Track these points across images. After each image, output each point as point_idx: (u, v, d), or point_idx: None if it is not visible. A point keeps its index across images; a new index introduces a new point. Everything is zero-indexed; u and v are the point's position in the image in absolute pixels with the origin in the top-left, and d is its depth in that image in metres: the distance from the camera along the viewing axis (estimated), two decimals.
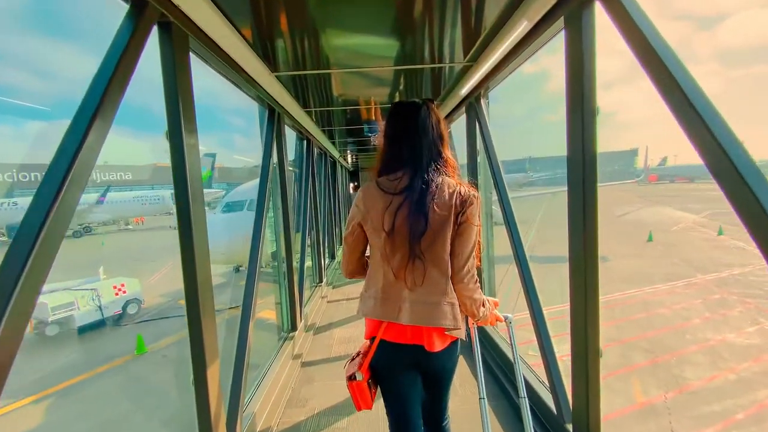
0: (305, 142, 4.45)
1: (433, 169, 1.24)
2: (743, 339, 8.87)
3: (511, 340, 1.51)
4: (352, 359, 1.37)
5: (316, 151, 5.36)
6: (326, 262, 5.64)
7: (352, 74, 2.62)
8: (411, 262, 1.21)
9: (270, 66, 2.26)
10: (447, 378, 1.36)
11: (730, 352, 8.21)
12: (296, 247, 4.01)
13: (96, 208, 22.57)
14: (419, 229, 1.19)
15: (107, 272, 10.42)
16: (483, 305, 1.30)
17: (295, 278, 3.10)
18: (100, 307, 9.18)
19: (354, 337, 3.62)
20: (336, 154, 7.45)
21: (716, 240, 16.96)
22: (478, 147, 2.94)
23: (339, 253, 7.91)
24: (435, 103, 1.47)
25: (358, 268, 1.39)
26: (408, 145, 1.26)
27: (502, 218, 2.46)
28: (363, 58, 2.28)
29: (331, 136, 5.51)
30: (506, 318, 1.46)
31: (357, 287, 5.86)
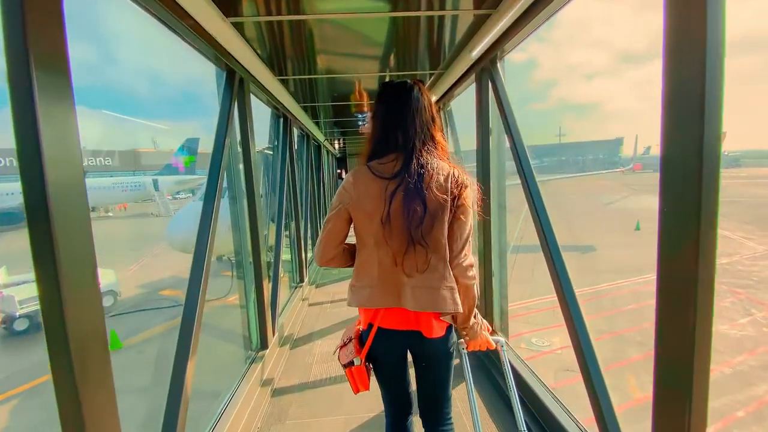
0: (282, 120, 3.82)
1: (428, 152, 1.21)
2: (737, 331, 8.87)
3: (504, 366, 1.41)
4: (344, 345, 1.37)
5: (296, 132, 4.77)
6: (309, 257, 5.03)
7: (335, 27, 2.05)
8: (411, 248, 1.18)
9: (221, 6, 1.66)
10: (446, 364, 1.33)
11: (724, 344, 8.20)
12: (271, 241, 3.44)
13: None
14: (418, 214, 1.15)
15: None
16: (476, 300, 1.28)
17: (266, 284, 2.52)
18: None
19: None
20: (321, 137, 6.86)
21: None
22: (491, 125, 2.40)
23: None
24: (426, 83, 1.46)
25: (337, 255, 1.30)
26: (401, 126, 1.21)
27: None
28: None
29: (314, 116, 4.89)
30: (498, 342, 1.38)
31: (344, 285, 5.26)
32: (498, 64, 2.21)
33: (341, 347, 1.38)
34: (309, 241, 5.39)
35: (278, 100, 3.26)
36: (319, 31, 2.12)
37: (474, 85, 2.59)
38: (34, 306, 8.01)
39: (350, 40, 2.31)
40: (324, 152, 8.26)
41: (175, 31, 1.68)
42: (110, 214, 26.91)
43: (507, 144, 2.46)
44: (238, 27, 1.91)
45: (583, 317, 1.63)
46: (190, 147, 24.17)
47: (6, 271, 9.10)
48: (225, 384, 2.16)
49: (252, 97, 3.10)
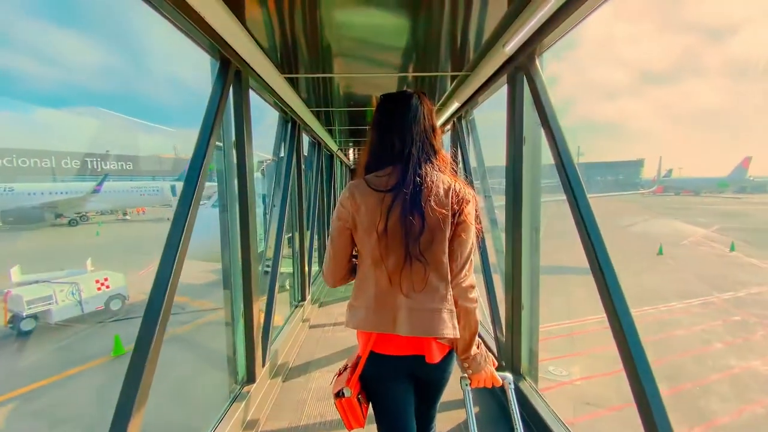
0: (290, 124, 3.54)
1: (427, 164, 1.15)
2: None
3: (510, 407, 1.27)
4: (339, 374, 1.28)
5: (306, 139, 4.51)
6: (314, 272, 4.68)
7: (349, 17, 1.76)
8: (408, 266, 1.11)
9: None
10: (443, 387, 1.27)
11: (757, 381, 7.56)
12: (269, 252, 3.12)
13: (92, 197, 22.49)
14: (416, 229, 1.09)
15: (95, 264, 9.93)
16: (478, 326, 1.17)
17: (257, 307, 2.19)
18: (80, 302, 8.65)
19: None
20: (334, 147, 6.59)
21: (729, 256, 16.41)
22: (523, 133, 2.05)
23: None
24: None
25: (347, 273, 1.25)
26: (399, 136, 1.16)
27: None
28: None
29: (328, 122, 4.62)
30: (505, 378, 1.27)
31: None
32: (537, 61, 1.87)
33: (338, 374, 1.28)
34: (315, 254, 5.06)
35: (285, 102, 2.97)
36: (330, 22, 1.83)
37: (503, 88, 2.26)
38: (42, 306, 8.11)
39: (368, 34, 2.02)
40: (337, 162, 8.00)
41: (158, 11, 1.42)
42: (128, 217, 27.45)
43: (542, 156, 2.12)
44: (234, 8, 1.63)
45: (643, 349, 1.33)
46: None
47: (20, 270, 9.10)
48: (200, 426, 1.81)
49: (258, 100, 2.85)
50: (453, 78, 2.79)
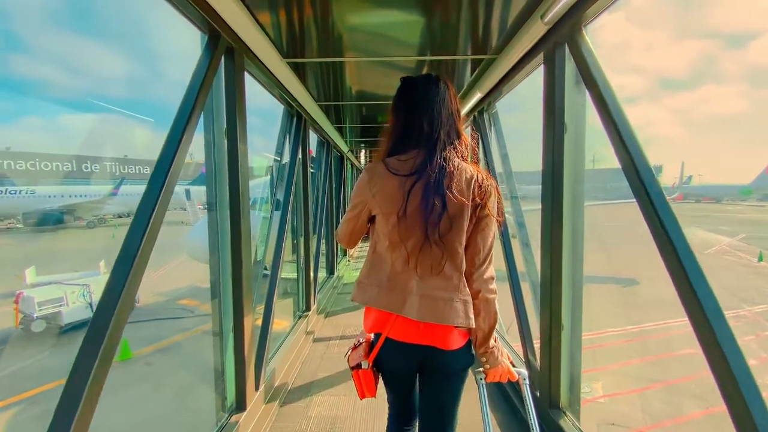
0: (295, 119, 3.25)
1: (453, 149, 1.14)
2: None
3: (525, 401, 1.22)
4: (355, 347, 1.30)
5: (315, 137, 4.23)
6: (321, 278, 4.36)
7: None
8: (427, 248, 1.10)
9: None
10: (461, 379, 1.21)
11: None
12: (269, 257, 2.83)
13: (109, 200, 22.83)
14: (436, 213, 1.07)
15: (108, 266, 9.86)
16: (497, 318, 1.16)
17: (248, 320, 1.87)
18: (90, 305, 8.44)
19: (344, 416, 2.28)
20: (344, 147, 6.32)
21: (757, 267, 15.86)
22: (565, 118, 1.71)
23: (341, 264, 6.74)
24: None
25: (360, 240, 1.28)
26: (426, 117, 1.14)
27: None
28: None
29: (338, 119, 4.34)
30: (520, 374, 1.22)
31: (358, 316, 4.40)
32: (584, 31, 1.54)
33: (353, 348, 1.30)
34: (322, 259, 4.75)
35: (289, 92, 2.69)
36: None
37: (535, 72, 1.94)
38: (53, 308, 8.03)
39: (382, 13, 1.73)
40: (347, 165, 7.72)
41: None
42: None
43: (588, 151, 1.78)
44: None
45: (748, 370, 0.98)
46: None
47: (34, 272, 9.13)
48: None
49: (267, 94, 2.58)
50: (475, 64, 2.47)
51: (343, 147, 6.19)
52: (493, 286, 1.15)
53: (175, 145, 1.28)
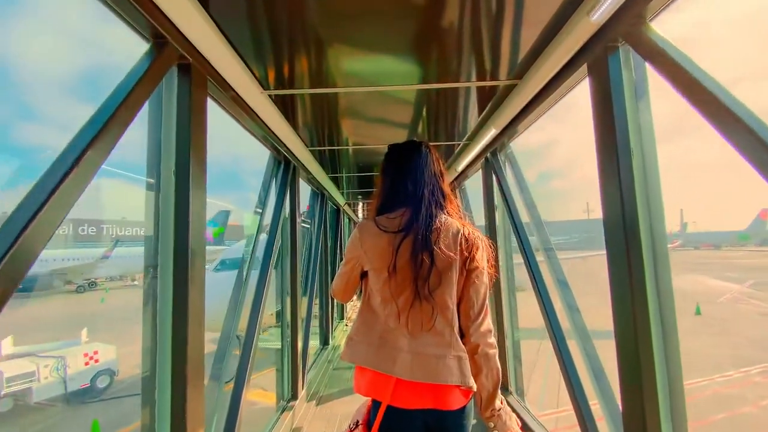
0: (282, 165, 2.83)
1: (438, 206, 1.19)
2: None
3: None
4: (350, 430, 1.20)
5: (307, 188, 3.84)
6: (312, 349, 3.64)
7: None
8: (417, 304, 1.10)
9: None
10: None
11: None
12: (253, 327, 2.24)
13: (102, 263, 22.53)
14: (425, 268, 1.10)
15: (91, 334, 9.35)
16: (500, 375, 1.13)
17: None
18: (64, 380, 7.90)
19: None
20: (341, 200, 5.94)
21: None
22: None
23: (337, 330, 6.01)
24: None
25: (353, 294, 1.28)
26: (411, 179, 1.20)
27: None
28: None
29: (333, 169, 3.98)
30: None
31: (357, 402, 3.83)
32: (650, 25, 1.16)
33: (349, 431, 1.20)
34: (314, 322, 4.07)
35: (273, 132, 2.30)
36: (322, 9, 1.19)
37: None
38: (23, 384, 7.33)
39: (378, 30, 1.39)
40: (344, 219, 7.29)
41: None
42: (136, 282, 26.95)
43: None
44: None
45: None
46: (220, 219, 24.97)
47: (12, 341, 8.38)
48: None
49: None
50: (490, 93, 2.11)
51: (340, 200, 5.80)
52: (492, 340, 1.13)
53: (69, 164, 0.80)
